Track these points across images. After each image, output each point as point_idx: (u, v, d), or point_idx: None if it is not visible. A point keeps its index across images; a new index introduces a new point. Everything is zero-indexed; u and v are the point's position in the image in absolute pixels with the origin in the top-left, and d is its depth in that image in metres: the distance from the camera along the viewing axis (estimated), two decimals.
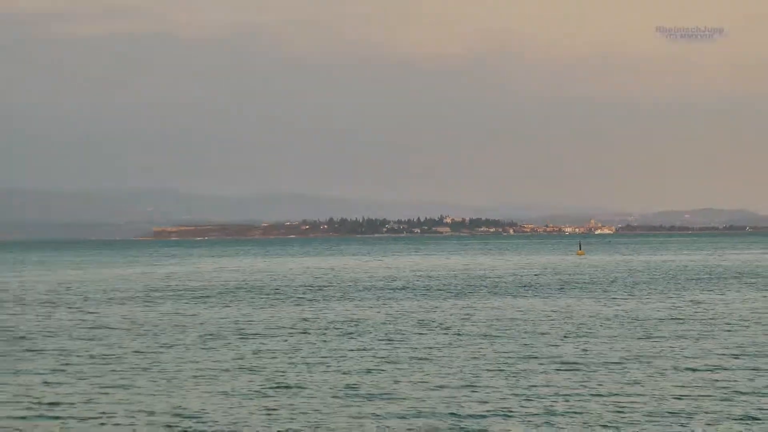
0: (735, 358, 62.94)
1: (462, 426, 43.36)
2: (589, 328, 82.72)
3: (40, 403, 49.65)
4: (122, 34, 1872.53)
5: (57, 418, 46.31)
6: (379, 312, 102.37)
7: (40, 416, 46.17)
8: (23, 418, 46.02)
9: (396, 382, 56.11)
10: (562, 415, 45.00)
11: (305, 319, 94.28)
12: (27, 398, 51.30)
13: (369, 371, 58.80)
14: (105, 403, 49.89)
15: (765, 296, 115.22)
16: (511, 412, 45.99)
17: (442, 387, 53.36)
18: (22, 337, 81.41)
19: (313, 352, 68.77)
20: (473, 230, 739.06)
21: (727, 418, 43.71)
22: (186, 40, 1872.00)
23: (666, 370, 59.03)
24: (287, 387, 53.54)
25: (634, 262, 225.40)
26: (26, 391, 53.37)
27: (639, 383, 53.90)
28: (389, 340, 77.19)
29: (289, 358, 66.44)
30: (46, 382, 56.97)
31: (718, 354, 65.17)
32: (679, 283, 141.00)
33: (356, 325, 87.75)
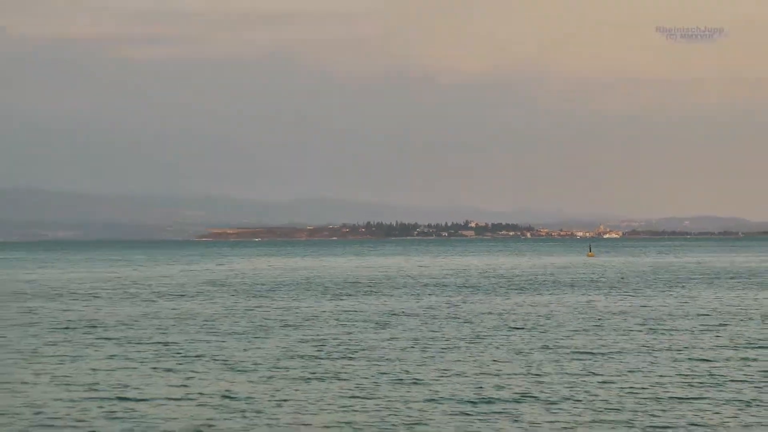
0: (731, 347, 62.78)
1: (488, 406, 42.98)
2: (597, 320, 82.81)
3: (106, 385, 48.91)
4: (174, 58, 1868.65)
5: (119, 398, 45.62)
6: (420, 305, 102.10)
7: (105, 398, 45.32)
8: (90, 399, 45.25)
9: (424, 366, 55.48)
10: (573, 399, 44.46)
11: (362, 311, 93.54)
12: (93, 380, 50.78)
13: (405, 359, 57.42)
14: (163, 386, 49.46)
15: (754, 293, 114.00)
16: (529, 395, 45.29)
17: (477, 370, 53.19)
18: (93, 326, 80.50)
19: (358, 340, 68.06)
20: (495, 234, 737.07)
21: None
22: (228, 59, 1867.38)
23: (664, 358, 58.80)
24: (333, 372, 52.49)
25: (638, 263, 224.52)
26: (94, 374, 53.01)
27: (640, 369, 53.57)
28: (433, 329, 76.30)
29: (351, 345, 65.40)
30: (111, 367, 56.00)
31: (713, 342, 65.72)
32: (677, 281, 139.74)
33: (399, 317, 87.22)
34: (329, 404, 44.01)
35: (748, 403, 44.03)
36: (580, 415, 41.98)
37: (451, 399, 45.05)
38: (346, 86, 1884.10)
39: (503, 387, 49.23)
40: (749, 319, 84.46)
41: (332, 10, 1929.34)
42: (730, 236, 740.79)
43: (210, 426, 40.30)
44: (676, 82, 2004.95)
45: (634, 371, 53.86)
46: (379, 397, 45.04)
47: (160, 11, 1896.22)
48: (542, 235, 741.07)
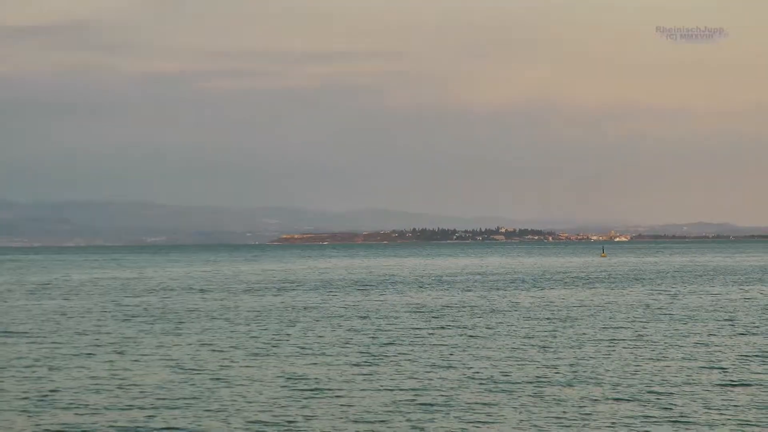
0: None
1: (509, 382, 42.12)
2: (608, 307, 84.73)
3: (183, 368, 47.89)
4: (247, 89, 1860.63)
5: (197, 378, 44.76)
6: (461, 297, 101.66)
7: (185, 380, 44.06)
8: (170, 380, 44.24)
9: (458, 349, 54.92)
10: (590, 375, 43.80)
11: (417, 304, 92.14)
12: (174, 363, 49.67)
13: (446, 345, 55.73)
14: (239, 366, 48.86)
15: (741, 288, 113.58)
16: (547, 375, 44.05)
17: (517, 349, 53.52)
18: (166, 316, 79.42)
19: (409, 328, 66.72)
20: (521, 238, 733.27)
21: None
22: (293, 90, 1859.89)
23: (664, 337, 59.93)
24: (390, 356, 51.27)
25: (643, 262, 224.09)
26: (173, 358, 51.80)
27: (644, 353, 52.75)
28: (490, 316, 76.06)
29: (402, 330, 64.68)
30: (191, 352, 54.90)
31: (710, 327, 65.71)
32: (675, 277, 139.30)
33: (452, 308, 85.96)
34: (380, 379, 43.38)
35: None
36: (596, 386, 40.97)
37: (477, 378, 43.46)
38: (398, 114, 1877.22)
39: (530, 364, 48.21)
40: (745, 307, 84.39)
41: (383, 49, 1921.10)
42: (722, 239, 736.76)
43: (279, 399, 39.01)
44: (666, 109, 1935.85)
45: (645, 345, 54.78)
46: (423, 378, 43.18)
47: (233, 51, 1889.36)
48: (562, 239, 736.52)
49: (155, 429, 34.25)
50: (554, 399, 38.73)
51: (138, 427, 34.32)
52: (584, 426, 33.47)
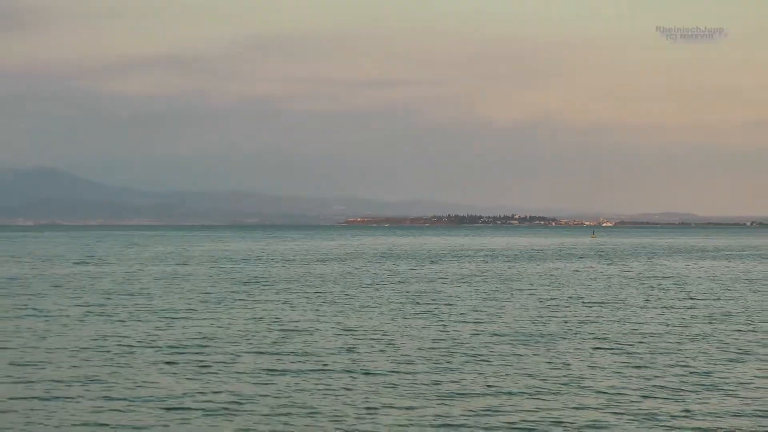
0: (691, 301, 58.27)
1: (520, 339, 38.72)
2: (599, 276, 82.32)
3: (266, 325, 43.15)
4: (328, 110, 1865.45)
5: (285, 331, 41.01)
6: (478, 268, 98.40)
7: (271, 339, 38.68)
8: (258, 332, 40.49)
9: (476, 310, 51.15)
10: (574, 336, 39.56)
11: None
12: (260, 321, 45.03)
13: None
14: (315, 321, 45.48)
15: (701, 260, 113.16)
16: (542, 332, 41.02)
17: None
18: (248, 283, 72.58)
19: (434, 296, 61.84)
20: (531, 223, 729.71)
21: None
22: (358, 109, 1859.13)
23: (638, 300, 57.10)
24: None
25: (623, 243, 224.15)
26: (259, 318, 46.57)
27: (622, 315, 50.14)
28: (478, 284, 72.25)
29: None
30: (277, 314, 49.37)
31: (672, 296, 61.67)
32: (648, 253, 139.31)
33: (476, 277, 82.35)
34: (416, 332, 40.84)
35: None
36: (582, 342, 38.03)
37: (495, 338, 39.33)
38: (437, 126, 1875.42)
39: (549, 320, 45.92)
40: (699, 277, 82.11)
41: (427, 77, 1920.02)
42: (686, 225, 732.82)
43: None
44: (643, 125, 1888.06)
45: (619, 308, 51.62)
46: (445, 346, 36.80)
47: (313, 78, 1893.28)
48: (561, 224, 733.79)
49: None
50: (545, 347, 36.48)
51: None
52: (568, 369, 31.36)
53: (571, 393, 27.54)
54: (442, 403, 25.88)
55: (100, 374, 30.30)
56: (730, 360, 33.60)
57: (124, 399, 26.50)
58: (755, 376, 30.58)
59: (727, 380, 29.75)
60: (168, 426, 23.44)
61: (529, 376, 30.23)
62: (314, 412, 24.75)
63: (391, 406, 25.57)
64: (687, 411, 25.26)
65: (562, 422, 23.85)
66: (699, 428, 23.49)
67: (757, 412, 25.33)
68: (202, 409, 25.06)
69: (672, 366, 32.21)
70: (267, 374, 30.35)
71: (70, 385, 28.45)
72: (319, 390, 27.61)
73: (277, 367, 31.54)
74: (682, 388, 28.38)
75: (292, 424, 23.50)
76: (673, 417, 24.54)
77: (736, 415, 24.90)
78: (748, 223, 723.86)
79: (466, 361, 33.17)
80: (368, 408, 25.38)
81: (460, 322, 45.83)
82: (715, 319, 46.59)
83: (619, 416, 24.54)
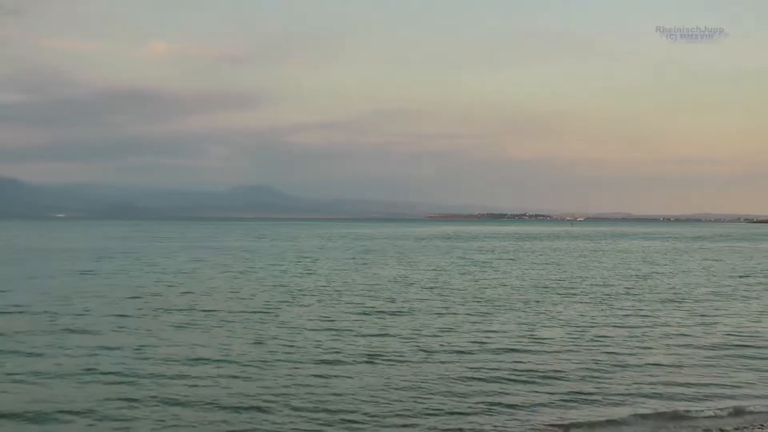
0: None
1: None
2: (573, 252, 74.60)
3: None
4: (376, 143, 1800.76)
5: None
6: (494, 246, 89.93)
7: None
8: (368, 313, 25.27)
9: (482, 274, 42.61)
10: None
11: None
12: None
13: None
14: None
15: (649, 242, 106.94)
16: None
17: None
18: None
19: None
20: (535, 218, 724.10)
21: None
22: (428, 149, 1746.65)
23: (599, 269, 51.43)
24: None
25: (589, 230, 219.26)
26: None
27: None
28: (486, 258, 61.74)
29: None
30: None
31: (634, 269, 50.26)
32: (608, 237, 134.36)
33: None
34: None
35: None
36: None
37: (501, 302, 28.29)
38: (476, 162, 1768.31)
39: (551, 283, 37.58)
40: (638, 252, 76.95)
41: (473, 132, 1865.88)
42: (627, 220, 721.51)
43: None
44: (598, 158, 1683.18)
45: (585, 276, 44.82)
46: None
47: (409, 133, 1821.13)
48: (553, 219, 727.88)
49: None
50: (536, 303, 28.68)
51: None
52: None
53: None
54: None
55: None
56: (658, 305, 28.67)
57: None
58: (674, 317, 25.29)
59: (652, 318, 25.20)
60: None
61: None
62: None
63: None
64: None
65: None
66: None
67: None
68: None
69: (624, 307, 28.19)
70: None
71: None
72: None
73: None
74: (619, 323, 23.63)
75: None
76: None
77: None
78: (661, 219, 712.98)
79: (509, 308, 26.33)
80: None
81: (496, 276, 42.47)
82: (641, 278, 42.13)
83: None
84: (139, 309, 25.91)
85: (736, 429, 12.28)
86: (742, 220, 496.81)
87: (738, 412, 13.35)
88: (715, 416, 13.13)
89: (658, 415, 12.99)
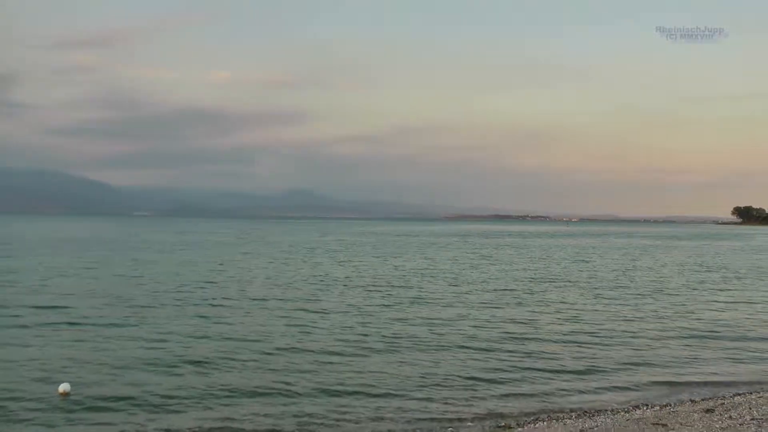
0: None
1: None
2: (569, 248, 69.94)
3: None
4: (400, 153, 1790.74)
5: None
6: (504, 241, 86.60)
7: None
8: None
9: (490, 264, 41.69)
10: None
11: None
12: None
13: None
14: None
15: (629, 241, 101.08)
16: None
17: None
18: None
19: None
20: (535, 218, 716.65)
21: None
22: (444, 162, 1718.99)
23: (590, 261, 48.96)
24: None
25: (582, 229, 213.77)
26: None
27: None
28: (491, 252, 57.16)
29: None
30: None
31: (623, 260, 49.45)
32: (598, 235, 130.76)
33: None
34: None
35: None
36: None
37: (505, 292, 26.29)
38: (486, 172, 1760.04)
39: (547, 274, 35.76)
40: (622, 248, 73.38)
41: (480, 145, 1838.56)
42: (614, 221, 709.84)
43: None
44: (593, 168, 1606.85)
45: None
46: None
47: (436, 147, 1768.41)
48: (551, 219, 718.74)
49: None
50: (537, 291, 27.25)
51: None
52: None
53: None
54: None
55: None
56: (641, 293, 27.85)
57: None
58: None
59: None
60: None
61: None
62: None
63: None
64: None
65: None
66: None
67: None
68: None
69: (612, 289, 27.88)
70: None
71: None
72: None
73: None
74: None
75: None
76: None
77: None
78: (643, 220, 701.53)
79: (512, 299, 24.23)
80: None
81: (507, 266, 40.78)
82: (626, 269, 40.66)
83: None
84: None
85: (708, 398, 11.96)
86: (709, 221, 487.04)
87: (709, 383, 13.30)
88: (691, 384, 13.11)
89: (652, 384, 12.93)
